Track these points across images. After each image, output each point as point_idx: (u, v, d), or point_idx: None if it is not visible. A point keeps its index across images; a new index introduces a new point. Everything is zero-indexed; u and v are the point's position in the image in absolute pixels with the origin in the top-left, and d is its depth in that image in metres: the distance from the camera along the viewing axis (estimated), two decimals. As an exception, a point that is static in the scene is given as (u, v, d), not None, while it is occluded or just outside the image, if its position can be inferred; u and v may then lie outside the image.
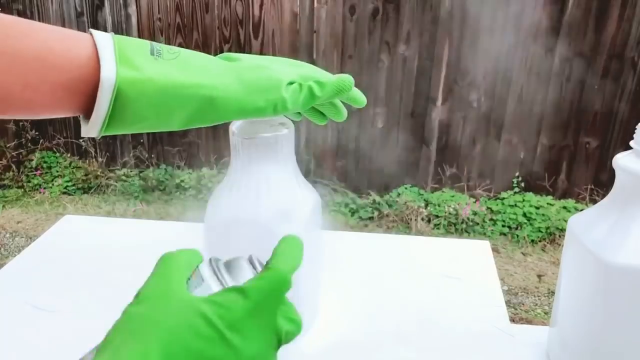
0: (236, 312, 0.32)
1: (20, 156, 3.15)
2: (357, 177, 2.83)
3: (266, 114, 0.45)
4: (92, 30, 0.40)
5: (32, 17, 2.93)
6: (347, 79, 0.49)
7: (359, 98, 0.53)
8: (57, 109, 0.40)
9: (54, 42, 0.38)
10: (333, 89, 0.48)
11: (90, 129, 0.40)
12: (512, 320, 1.97)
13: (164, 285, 0.33)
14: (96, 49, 0.39)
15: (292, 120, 0.56)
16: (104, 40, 0.39)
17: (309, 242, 0.61)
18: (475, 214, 2.63)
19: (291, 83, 0.46)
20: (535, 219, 2.59)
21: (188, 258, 0.36)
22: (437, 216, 2.65)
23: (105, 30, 2.84)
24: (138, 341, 0.30)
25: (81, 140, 3.08)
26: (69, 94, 0.39)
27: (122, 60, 0.39)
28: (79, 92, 0.39)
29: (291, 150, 0.57)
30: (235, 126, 0.55)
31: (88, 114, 0.39)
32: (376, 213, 2.74)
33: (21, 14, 2.93)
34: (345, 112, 0.54)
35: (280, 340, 0.34)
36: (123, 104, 0.39)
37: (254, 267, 0.36)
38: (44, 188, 3.03)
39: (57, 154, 3.14)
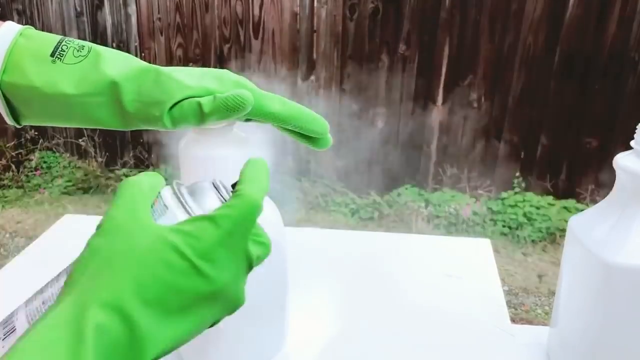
0: (207, 242, 0.31)
1: (20, 156, 3.15)
2: (357, 177, 2.82)
3: (156, 126, 0.42)
4: (7, 23, 0.40)
5: (31, 17, 2.92)
6: (235, 98, 0.40)
7: (314, 128, 0.46)
8: None
9: None
10: (218, 106, 0.40)
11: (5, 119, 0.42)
12: (513, 320, 1.97)
13: (129, 215, 0.31)
14: None
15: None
16: (5, 36, 0.39)
17: (274, 247, 0.59)
18: (475, 214, 2.63)
19: (191, 97, 0.41)
20: (535, 219, 2.59)
21: (150, 183, 0.34)
22: (437, 216, 2.65)
23: (105, 30, 2.85)
24: (108, 275, 0.29)
25: (81, 141, 3.08)
26: None
27: (10, 63, 0.39)
28: None
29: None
30: (183, 142, 0.53)
31: None
32: (376, 213, 2.73)
33: (21, 13, 2.93)
34: (327, 141, 0.48)
35: (252, 265, 0.34)
36: (12, 105, 0.40)
37: (219, 192, 0.35)
38: (44, 188, 3.03)
39: (57, 154, 3.14)
